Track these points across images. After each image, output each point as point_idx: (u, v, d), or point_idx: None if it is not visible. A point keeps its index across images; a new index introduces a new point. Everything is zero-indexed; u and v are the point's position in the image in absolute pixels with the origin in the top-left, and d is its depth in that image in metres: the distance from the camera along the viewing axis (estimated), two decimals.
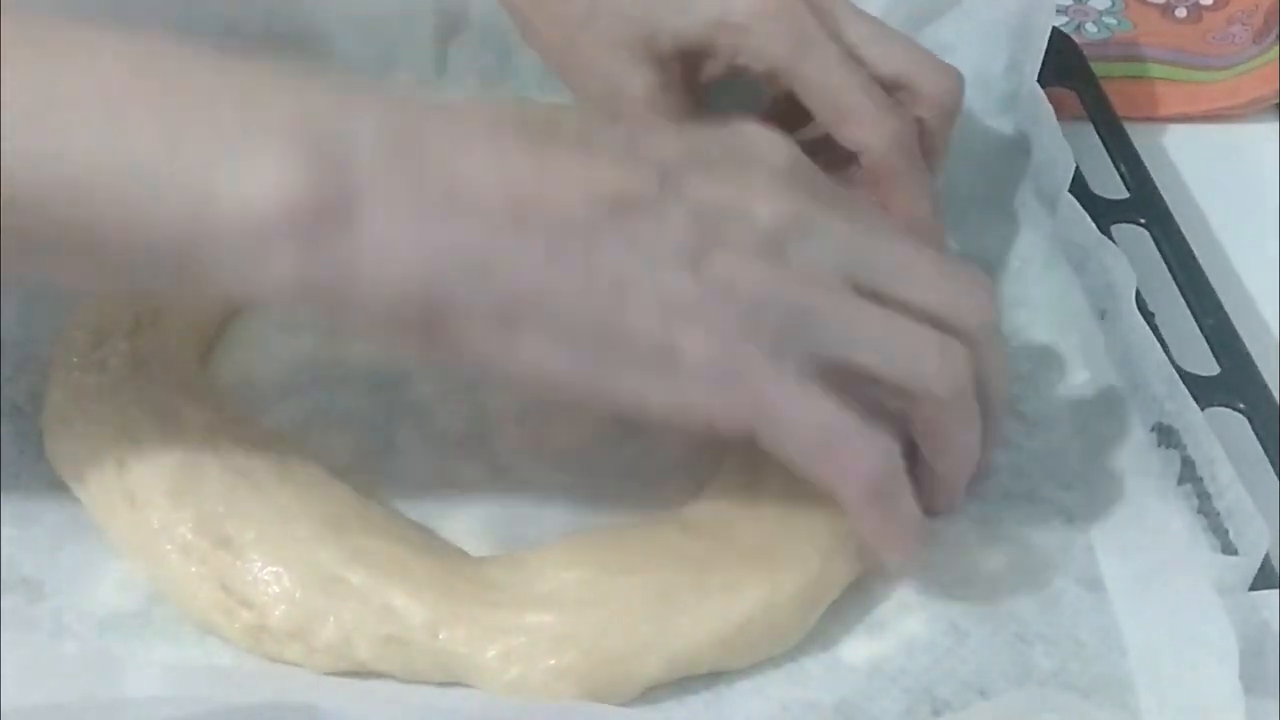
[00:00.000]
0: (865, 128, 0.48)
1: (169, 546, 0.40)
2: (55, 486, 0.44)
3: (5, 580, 0.42)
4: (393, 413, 0.48)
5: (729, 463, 0.45)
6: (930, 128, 0.50)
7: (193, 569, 0.40)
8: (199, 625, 0.40)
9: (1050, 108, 0.54)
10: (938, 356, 0.39)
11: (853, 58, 0.49)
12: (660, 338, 0.36)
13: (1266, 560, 0.41)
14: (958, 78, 0.51)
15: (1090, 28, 0.68)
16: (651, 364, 0.37)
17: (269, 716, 0.33)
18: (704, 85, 0.52)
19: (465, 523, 0.44)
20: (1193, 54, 0.66)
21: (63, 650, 0.40)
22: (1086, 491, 0.46)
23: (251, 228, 0.34)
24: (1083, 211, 0.50)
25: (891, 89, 0.49)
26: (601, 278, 0.36)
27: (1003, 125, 0.59)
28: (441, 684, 0.39)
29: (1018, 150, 0.57)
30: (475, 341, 0.37)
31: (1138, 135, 0.58)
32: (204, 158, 0.34)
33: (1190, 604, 0.37)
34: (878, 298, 0.39)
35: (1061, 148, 0.52)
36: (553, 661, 0.38)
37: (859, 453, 0.38)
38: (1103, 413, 0.48)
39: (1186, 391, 0.44)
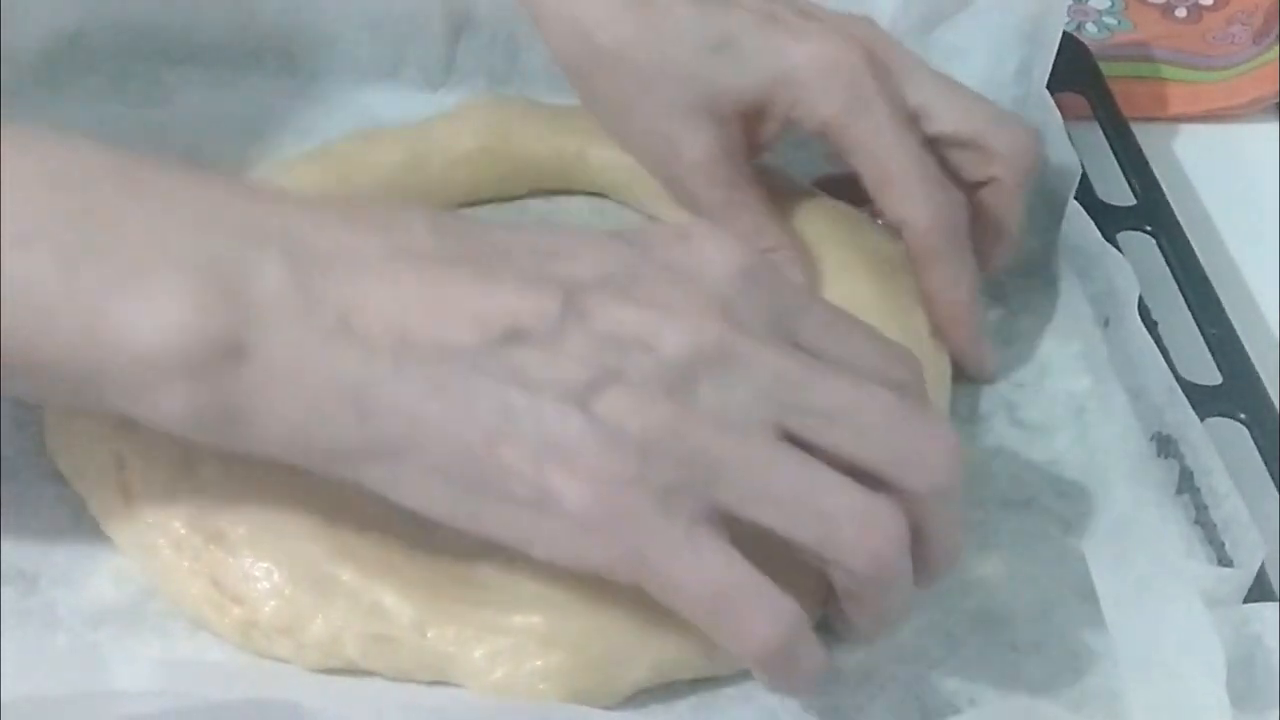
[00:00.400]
0: (908, 199, 0.46)
1: (162, 541, 0.40)
2: (54, 479, 0.44)
3: (4, 573, 0.42)
4: None
5: None
6: (1005, 188, 0.49)
7: (185, 564, 0.40)
8: (191, 620, 0.40)
9: (1058, 113, 0.54)
10: (856, 526, 0.35)
11: (914, 120, 0.47)
12: (535, 481, 0.34)
13: (1263, 573, 0.40)
14: (1034, 136, 0.49)
15: (1090, 28, 0.68)
16: (529, 508, 0.35)
17: (252, 713, 0.33)
18: (763, 147, 0.50)
19: None
20: (1193, 54, 0.66)
21: (55, 643, 0.40)
22: (1085, 500, 0.46)
23: (144, 361, 0.34)
24: (1087, 218, 0.50)
25: (962, 147, 0.48)
26: (480, 413, 0.34)
27: None
28: (430, 683, 0.39)
29: None
30: (363, 473, 0.36)
31: (1137, 135, 0.58)
32: (101, 285, 0.34)
33: (1179, 616, 0.37)
34: (807, 446, 0.35)
35: (1068, 154, 0.52)
36: (539, 663, 0.38)
37: (752, 619, 0.35)
38: (1103, 421, 0.47)
39: (1186, 401, 0.44)
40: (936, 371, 0.47)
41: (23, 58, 0.59)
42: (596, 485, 0.34)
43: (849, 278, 0.49)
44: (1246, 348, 0.48)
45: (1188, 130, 0.61)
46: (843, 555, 0.35)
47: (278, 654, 0.39)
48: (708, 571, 0.34)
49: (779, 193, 0.52)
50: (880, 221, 0.51)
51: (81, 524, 0.43)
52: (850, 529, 0.35)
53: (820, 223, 0.51)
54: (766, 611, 0.35)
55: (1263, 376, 0.47)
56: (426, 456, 0.35)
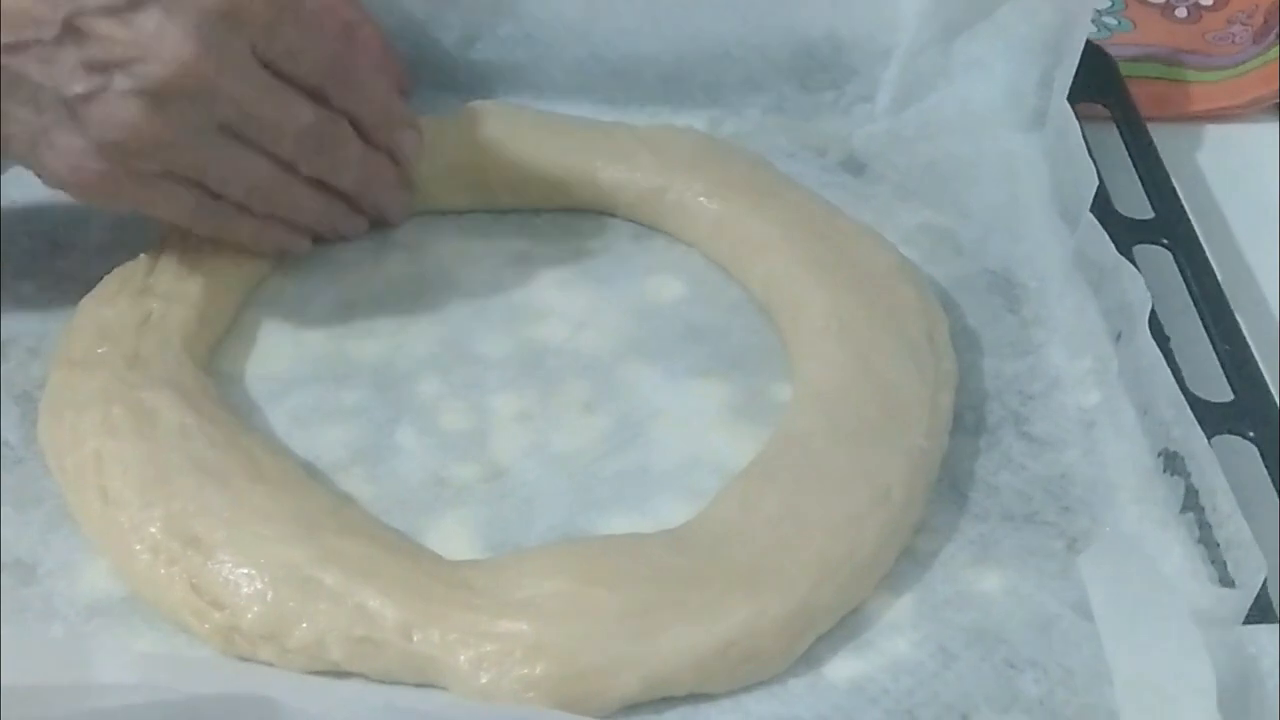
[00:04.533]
0: None
1: (138, 546, 0.40)
2: None
3: (4, 562, 0.43)
4: (395, 410, 0.48)
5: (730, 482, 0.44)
6: None
7: (162, 570, 0.40)
8: (171, 624, 0.41)
9: (1078, 125, 0.53)
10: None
11: None
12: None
13: (1264, 594, 0.40)
14: None
15: (1090, 27, 0.67)
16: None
17: (229, 708, 0.33)
18: None
19: (455, 523, 0.45)
20: (1193, 54, 0.66)
21: (49, 633, 0.41)
22: (1089, 516, 0.45)
23: None
24: (1102, 231, 0.49)
25: None
26: None
27: (1031, 141, 0.58)
28: (416, 685, 0.39)
29: (1044, 167, 0.56)
30: None
31: None
32: None
33: (1172, 635, 0.36)
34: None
35: (1085, 167, 0.52)
36: (524, 671, 0.38)
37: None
38: (1111, 437, 0.47)
39: (1193, 418, 0.43)
40: (940, 373, 0.47)
41: None
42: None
43: (842, 289, 0.49)
44: (1260, 365, 0.47)
45: (1188, 130, 0.60)
46: None
47: (260, 658, 0.39)
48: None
49: (777, 202, 0.52)
50: None
51: None
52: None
53: (814, 233, 0.51)
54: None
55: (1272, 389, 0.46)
56: None
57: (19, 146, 0.44)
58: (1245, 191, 0.61)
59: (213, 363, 0.49)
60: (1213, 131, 0.64)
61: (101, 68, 0.42)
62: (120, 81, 0.42)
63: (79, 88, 0.42)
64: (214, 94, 0.44)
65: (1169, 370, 0.45)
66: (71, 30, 0.42)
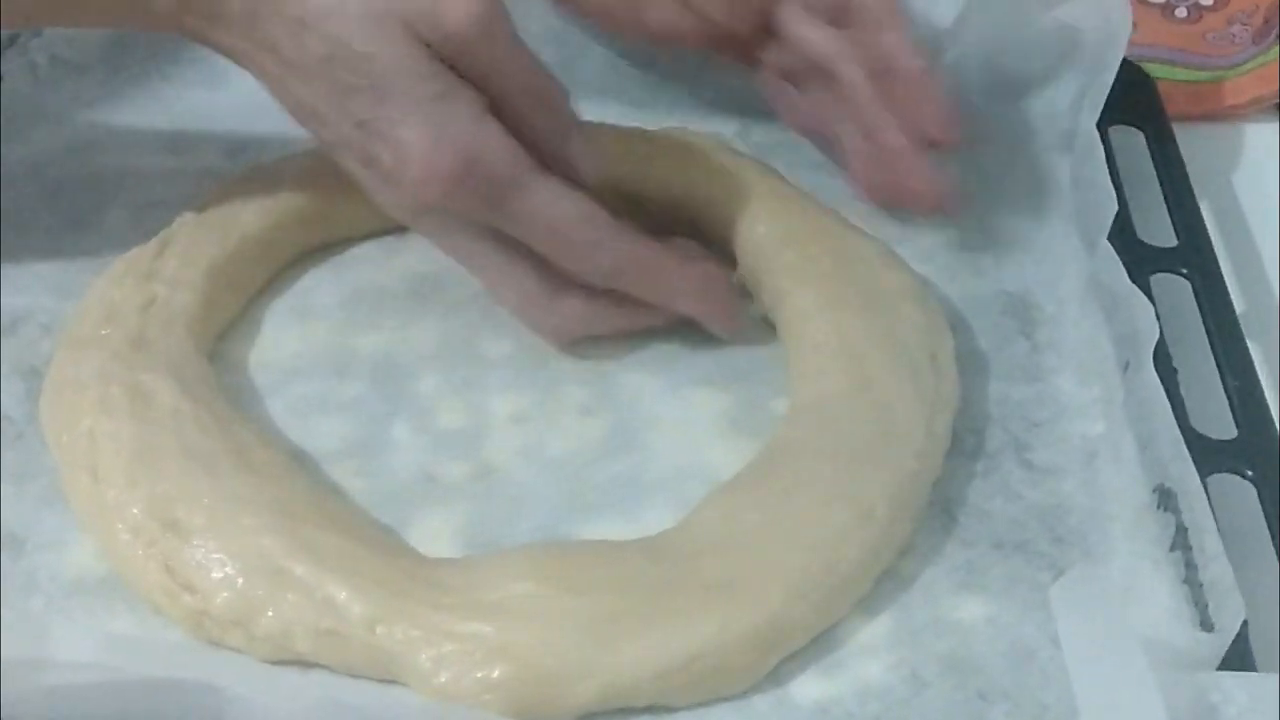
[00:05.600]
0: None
1: (120, 525, 0.41)
2: None
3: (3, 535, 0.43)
4: (393, 405, 0.48)
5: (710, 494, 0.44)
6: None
7: (140, 550, 0.41)
8: (147, 605, 0.41)
9: (1102, 149, 0.52)
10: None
11: None
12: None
13: (1244, 639, 0.39)
14: None
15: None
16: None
17: (170, 691, 0.34)
18: None
19: (440, 520, 0.45)
20: (1193, 54, 0.65)
21: (29, 607, 0.41)
22: (1081, 548, 0.44)
23: None
24: (1117, 258, 0.48)
25: None
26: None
27: (1060, 163, 0.57)
28: (380, 681, 0.40)
29: (1069, 190, 0.55)
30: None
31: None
32: None
33: (1130, 675, 0.35)
34: None
35: (1107, 191, 0.50)
36: (483, 673, 0.38)
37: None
38: (1111, 469, 0.46)
39: (1188, 455, 0.42)
40: (940, 395, 0.46)
41: (89, 38, 0.60)
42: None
43: (846, 306, 0.48)
44: (1269, 403, 0.46)
45: (1187, 130, 0.59)
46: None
47: (229, 644, 0.40)
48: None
49: (781, 209, 0.51)
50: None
51: None
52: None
53: (822, 247, 0.50)
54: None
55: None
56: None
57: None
58: (1245, 192, 0.60)
59: (218, 349, 0.49)
60: (1213, 131, 0.64)
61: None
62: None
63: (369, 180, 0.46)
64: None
65: (1168, 404, 0.43)
66: (325, 145, 0.46)
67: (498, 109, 0.44)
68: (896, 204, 0.52)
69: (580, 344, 0.50)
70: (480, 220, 0.45)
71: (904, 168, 0.51)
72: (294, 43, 0.43)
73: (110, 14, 0.48)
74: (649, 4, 0.53)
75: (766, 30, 0.54)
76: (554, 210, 0.45)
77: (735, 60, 0.56)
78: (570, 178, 0.46)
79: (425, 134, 0.43)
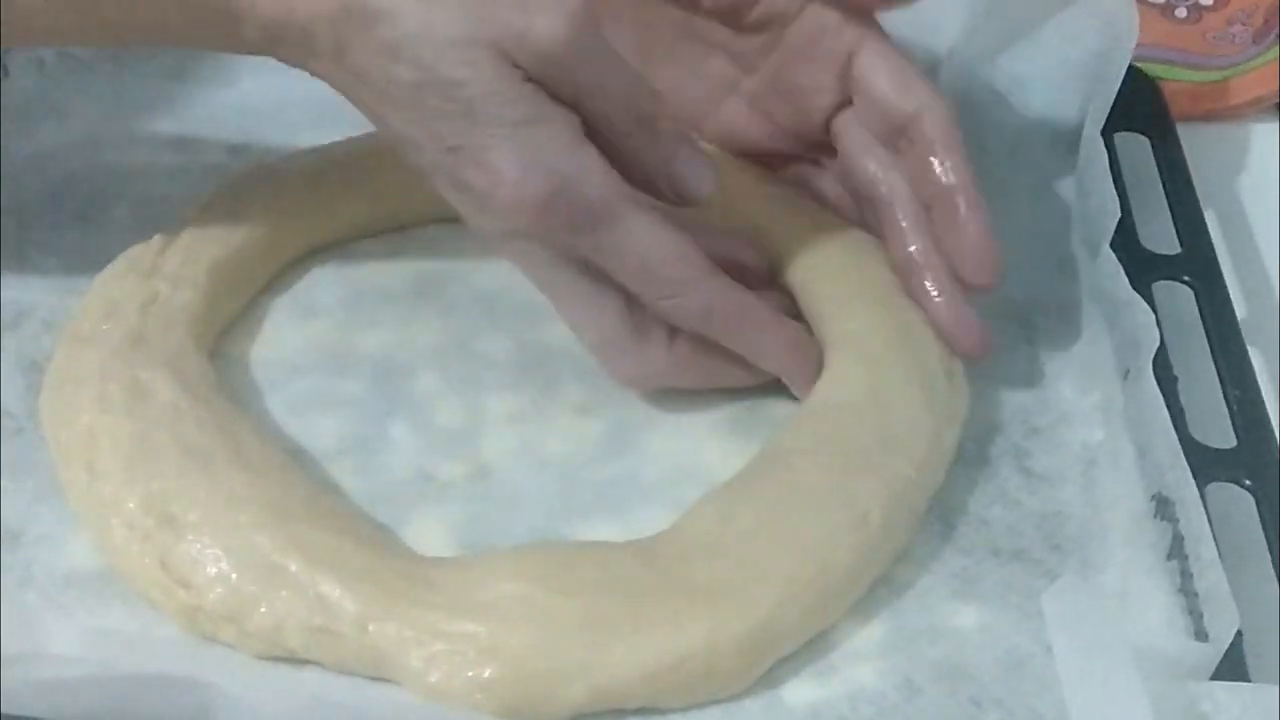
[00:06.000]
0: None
1: (115, 520, 0.41)
2: None
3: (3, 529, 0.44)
4: (391, 403, 0.48)
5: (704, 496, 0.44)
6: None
7: (135, 545, 0.41)
8: (142, 600, 0.41)
9: (1105, 155, 0.52)
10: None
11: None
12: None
13: (1238, 649, 0.38)
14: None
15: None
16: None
17: (156, 687, 0.34)
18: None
19: (434, 520, 0.45)
20: (1193, 54, 0.65)
21: (23, 600, 0.42)
22: (1078, 556, 0.44)
23: None
24: (1118, 265, 0.48)
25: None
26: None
27: (1065, 169, 0.57)
28: (372, 679, 0.40)
29: (1073, 196, 0.55)
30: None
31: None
32: None
33: (1120, 686, 0.35)
34: None
35: (1110, 198, 0.50)
36: (474, 673, 0.38)
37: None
38: (1110, 477, 0.46)
39: (1186, 464, 0.42)
40: (950, 409, 0.46)
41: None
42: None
43: (861, 308, 0.48)
44: (1269, 412, 0.46)
45: (1187, 130, 0.59)
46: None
47: (222, 640, 0.40)
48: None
49: (794, 218, 0.51)
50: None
51: None
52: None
53: (834, 252, 0.50)
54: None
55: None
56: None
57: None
58: (1246, 194, 0.61)
59: (218, 346, 0.49)
60: (1213, 132, 0.64)
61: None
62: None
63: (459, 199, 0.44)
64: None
65: (1167, 412, 0.43)
66: (419, 168, 0.44)
67: (594, 129, 0.43)
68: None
69: (579, 342, 0.50)
70: (569, 250, 0.44)
71: (942, 312, 0.48)
72: (383, 72, 0.42)
73: (199, 42, 0.47)
74: (722, 107, 0.53)
75: (826, 146, 0.52)
76: (646, 243, 0.43)
77: (796, 173, 0.54)
78: (680, 196, 0.45)
79: (516, 160, 0.41)
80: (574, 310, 0.46)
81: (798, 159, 0.53)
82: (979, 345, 0.48)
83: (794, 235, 0.51)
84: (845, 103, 0.50)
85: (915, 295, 0.48)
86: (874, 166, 0.50)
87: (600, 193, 0.43)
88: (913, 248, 0.49)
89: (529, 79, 0.42)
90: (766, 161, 0.53)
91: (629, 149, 0.44)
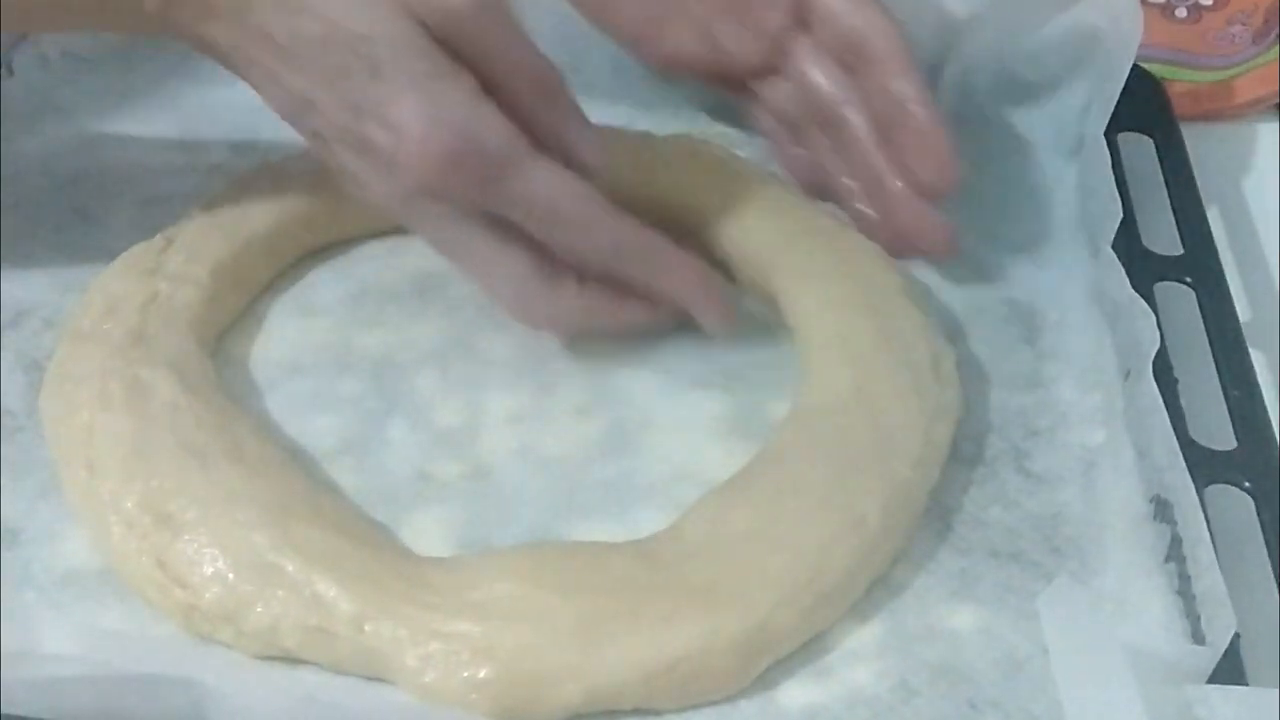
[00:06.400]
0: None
1: (113, 518, 0.41)
2: None
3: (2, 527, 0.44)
4: (390, 403, 0.48)
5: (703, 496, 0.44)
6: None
7: (133, 544, 0.41)
8: (139, 599, 0.41)
9: (1108, 155, 0.52)
10: None
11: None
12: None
13: (1235, 652, 0.38)
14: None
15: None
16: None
17: (150, 687, 0.34)
18: None
19: (434, 519, 0.45)
20: (1193, 54, 0.65)
21: (21, 598, 0.42)
22: (1076, 558, 0.44)
23: None
24: (1120, 266, 0.48)
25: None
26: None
27: (1067, 169, 0.57)
28: (367, 679, 0.40)
29: (1075, 196, 0.55)
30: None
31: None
32: None
33: (1116, 689, 0.35)
34: None
35: (1112, 198, 0.50)
36: (469, 673, 0.38)
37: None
38: (1109, 478, 0.45)
39: (1184, 466, 0.42)
40: (940, 404, 0.46)
41: (102, 36, 0.61)
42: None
43: (848, 309, 0.48)
44: (1270, 414, 0.46)
45: (1187, 130, 0.59)
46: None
47: (219, 639, 0.40)
48: None
49: (784, 217, 0.51)
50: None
51: None
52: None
53: (822, 252, 0.50)
54: None
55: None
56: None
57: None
58: (1246, 194, 0.61)
59: (220, 346, 0.49)
60: (1213, 132, 0.63)
61: (339, 168, 0.45)
62: (352, 184, 0.46)
63: (329, 163, 0.46)
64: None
65: (1166, 414, 0.43)
66: (317, 137, 0.45)
67: (494, 92, 0.44)
68: (900, 253, 0.51)
69: (578, 344, 0.50)
70: (476, 203, 0.44)
71: (906, 215, 0.51)
72: (287, 27, 0.42)
73: (96, 17, 0.47)
74: (668, 28, 0.53)
75: (774, 69, 0.53)
76: (552, 188, 0.44)
77: (738, 97, 0.56)
78: (574, 165, 0.46)
79: (421, 113, 0.42)
80: (484, 266, 0.46)
81: (739, 90, 0.55)
82: (946, 241, 0.50)
83: (774, 240, 0.51)
84: (795, 25, 0.52)
85: (881, 204, 0.51)
86: (830, 85, 0.52)
87: (503, 143, 0.43)
88: (873, 160, 0.51)
89: (433, 36, 0.42)
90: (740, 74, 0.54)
91: (525, 114, 0.44)
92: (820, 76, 0.52)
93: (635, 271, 0.47)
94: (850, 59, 0.51)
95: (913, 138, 0.50)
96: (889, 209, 0.51)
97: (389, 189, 0.44)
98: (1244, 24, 0.64)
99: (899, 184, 0.51)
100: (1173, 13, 0.64)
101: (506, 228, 0.45)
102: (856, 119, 0.52)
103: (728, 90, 0.56)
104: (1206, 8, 0.63)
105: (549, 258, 0.46)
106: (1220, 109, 0.65)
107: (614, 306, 0.48)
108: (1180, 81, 0.64)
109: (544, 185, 0.44)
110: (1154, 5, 0.64)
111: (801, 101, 0.53)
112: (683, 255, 0.48)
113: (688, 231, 0.52)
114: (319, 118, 0.44)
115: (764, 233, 0.51)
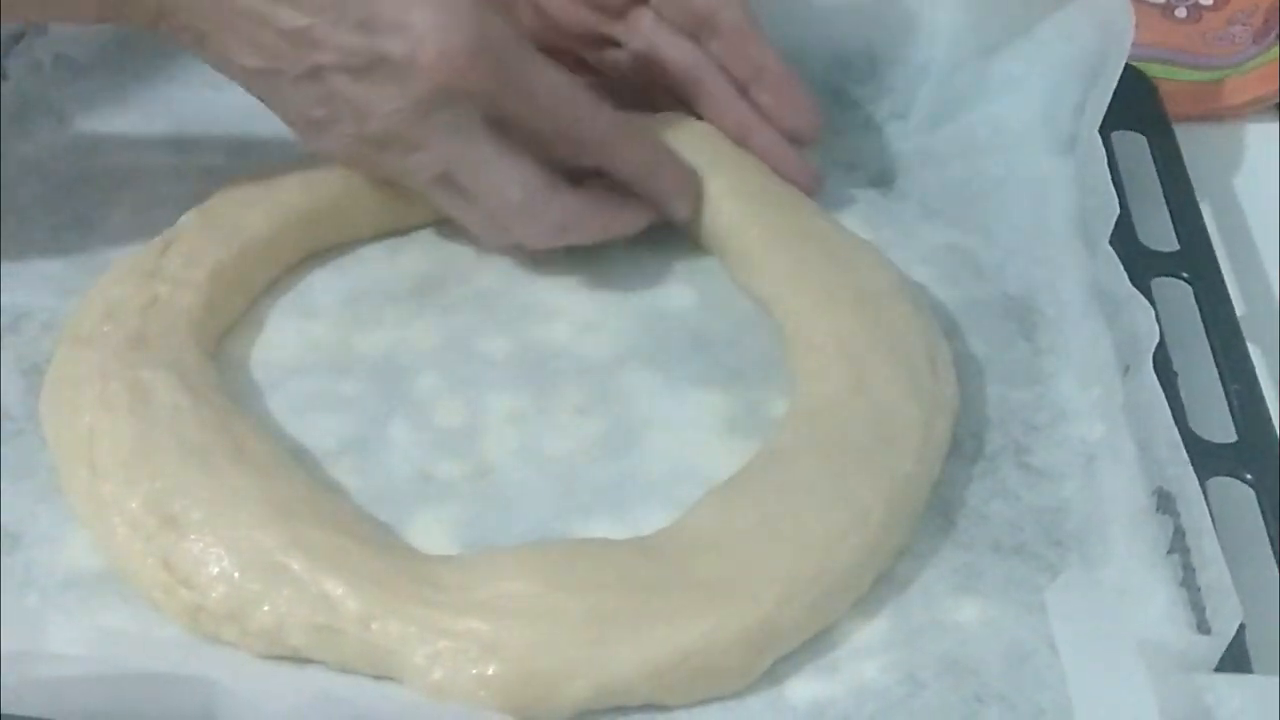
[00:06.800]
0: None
1: (117, 519, 0.41)
2: None
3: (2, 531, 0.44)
4: (391, 403, 0.48)
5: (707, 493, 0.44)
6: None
7: (138, 545, 0.41)
8: (144, 600, 0.41)
9: (1104, 152, 0.52)
10: None
11: None
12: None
13: (1240, 642, 0.38)
14: None
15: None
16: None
17: (165, 685, 0.34)
18: None
19: (436, 519, 0.45)
20: (1193, 54, 0.65)
21: (24, 601, 0.41)
22: (1079, 551, 0.44)
23: None
24: (1117, 261, 0.48)
25: None
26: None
27: (1062, 167, 0.57)
28: (375, 677, 0.40)
29: (1072, 192, 0.55)
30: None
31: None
32: None
33: (1124, 679, 0.35)
34: None
35: (1109, 195, 0.50)
36: (477, 670, 0.38)
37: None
38: (1111, 472, 0.46)
39: (1187, 459, 0.42)
40: (938, 399, 0.46)
41: (94, 37, 0.61)
42: None
43: (839, 309, 0.48)
44: (1270, 407, 0.46)
45: (1186, 129, 0.59)
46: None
47: (225, 638, 0.40)
48: None
49: (766, 225, 0.52)
50: None
51: None
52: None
53: (812, 251, 0.51)
54: None
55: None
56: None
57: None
58: (1245, 193, 0.61)
59: (220, 348, 0.49)
60: (1213, 132, 0.64)
61: (334, 110, 0.48)
62: (346, 126, 0.48)
63: (318, 114, 0.48)
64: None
65: (1167, 408, 0.43)
66: (315, 75, 0.47)
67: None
68: None
69: (578, 344, 0.50)
70: (491, 101, 0.46)
71: (778, 163, 0.54)
72: None
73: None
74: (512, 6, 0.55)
75: (612, 41, 0.55)
76: (555, 79, 0.47)
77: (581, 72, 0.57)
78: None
79: (437, 13, 0.44)
80: (495, 175, 0.48)
81: (604, 43, 0.56)
82: (814, 181, 0.54)
83: (766, 241, 0.51)
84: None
85: (759, 153, 0.54)
86: (680, 55, 0.54)
87: (513, 39, 0.46)
88: (738, 114, 0.54)
89: None
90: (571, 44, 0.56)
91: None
92: (673, 51, 0.54)
93: (627, 152, 0.50)
94: (696, 29, 0.53)
95: (773, 92, 0.53)
96: (767, 158, 0.54)
97: (401, 102, 0.46)
98: (1244, 24, 0.64)
99: (766, 132, 0.54)
100: (1173, 12, 0.64)
101: (512, 140, 0.48)
102: (719, 85, 0.54)
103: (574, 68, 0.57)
104: (1206, 7, 0.64)
105: (547, 168, 0.48)
106: (1220, 108, 0.65)
107: (613, 208, 0.51)
108: (1180, 81, 0.65)
109: (550, 78, 0.47)
110: (1154, 5, 0.64)
111: (643, 70, 0.55)
112: (665, 143, 0.52)
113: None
114: (319, 51, 0.45)
115: (752, 238, 0.51)
